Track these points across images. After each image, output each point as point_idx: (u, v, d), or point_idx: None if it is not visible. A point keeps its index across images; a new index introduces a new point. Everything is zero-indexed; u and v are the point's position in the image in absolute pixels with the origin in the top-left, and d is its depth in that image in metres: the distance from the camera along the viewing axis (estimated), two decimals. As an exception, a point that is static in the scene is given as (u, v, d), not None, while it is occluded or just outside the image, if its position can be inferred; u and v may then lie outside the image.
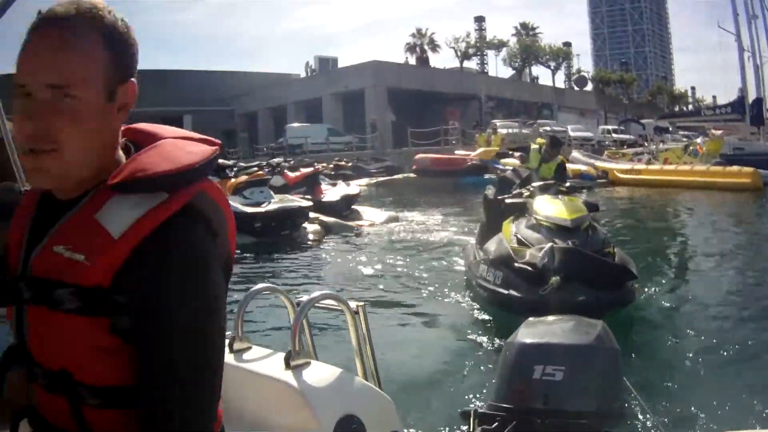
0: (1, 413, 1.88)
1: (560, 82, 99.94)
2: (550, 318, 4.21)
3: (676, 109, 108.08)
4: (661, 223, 21.69)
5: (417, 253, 15.89)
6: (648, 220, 22.67)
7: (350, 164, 43.25)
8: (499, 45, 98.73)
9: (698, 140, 39.34)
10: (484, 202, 12.93)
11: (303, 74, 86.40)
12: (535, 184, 11.16)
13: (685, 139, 44.78)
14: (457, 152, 43.78)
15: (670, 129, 53.77)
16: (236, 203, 16.58)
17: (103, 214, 1.56)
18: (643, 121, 63.36)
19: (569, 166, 14.47)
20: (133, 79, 1.67)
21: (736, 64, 46.50)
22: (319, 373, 2.59)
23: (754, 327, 9.10)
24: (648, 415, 5.46)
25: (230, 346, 2.77)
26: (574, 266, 8.56)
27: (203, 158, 1.66)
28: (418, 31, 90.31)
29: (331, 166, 36.29)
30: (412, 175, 40.95)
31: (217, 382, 1.61)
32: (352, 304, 2.86)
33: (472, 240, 13.40)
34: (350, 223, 20.98)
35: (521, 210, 10.57)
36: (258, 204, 17.95)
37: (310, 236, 18.92)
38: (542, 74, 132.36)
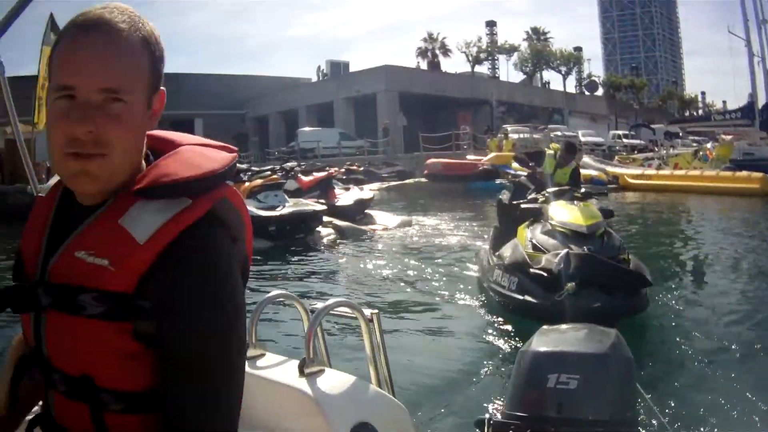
0: (14, 421, 1.89)
1: (571, 86, 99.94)
2: (564, 326, 4.18)
3: (687, 114, 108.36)
4: (672, 229, 21.63)
5: (430, 257, 15.81)
6: (658, 225, 22.62)
7: (362, 168, 43.28)
8: (510, 50, 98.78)
9: (708, 145, 39.38)
10: (498, 206, 12.96)
11: (314, 78, 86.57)
12: (550, 189, 11.07)
13: (695, 144, 44.86)
14: (468, 157, 43.74)
15: (681, 134, 53.86)
16: (251, 207, 16.41)
17: (127, 219, 1.57)
18: (653, 126, 63.34)
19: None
20: (162, 87, 1.70)
21: (747, 69, 46.41)
22: (333, 381, 2.56)
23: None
24: (662, 423, 5.38)
25: (244, 353, 2.74)
26: (589, 272, 8.54)
27: (224, 165, 1.68)
28: (430, 35, 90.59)
29: (343, 170, 36.34)
30: (423, 179, 40.98)
31: (239, 385, 1.63)
32: (367, 312, 2.84)
33: (485, 245, 13.37)
34: (364, 228, 21.03)
35: (536, 215, 10.52)
36: (272, 208, 17.98)
37: (324, 240, 18.97)
38: (553, 79, 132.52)
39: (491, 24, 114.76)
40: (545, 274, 8.85)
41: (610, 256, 9.16)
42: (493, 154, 41.25)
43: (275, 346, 3.01)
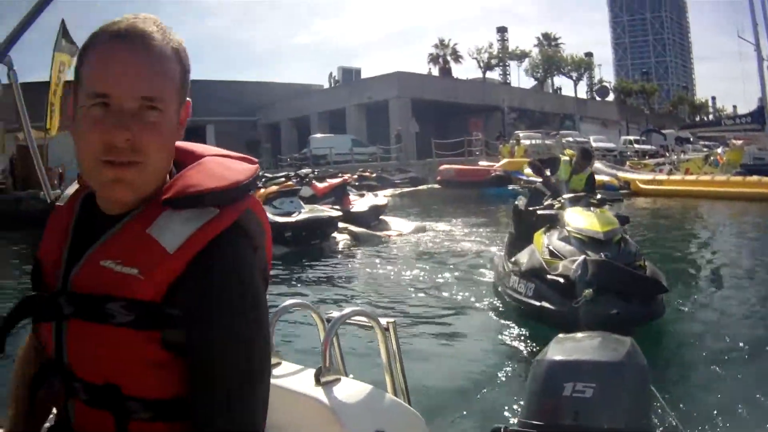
0: (32, 430, 1.89)
1: (582, 92, 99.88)
2: (579, 335, 4.19)
3: (697, 119, 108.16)
4: (684, 234, 21.60)
5: (445, 263, 15.87)
6: (671, 230, 22.56)
7: (375, 175, 43.36)
8: (521, 56, 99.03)
9: (719, 150, 39.40)
10: (513, 212, 12.91)
11: (326, 85, 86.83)
12: (566, 196, 11.10)
13: (705, 150, 44.80)
14: (480, 163, 43.85)
15: (691, 139, 53.89)
16: (267, 213, 16.43)
17: (156, 229, 1.58)
18: (664, 131, 63.34)
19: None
20: (189, 99, 1.72)
21: (756, 73, 46.40)
22: (350, 390, 2.57)
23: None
24: (679, 430, 5.36)
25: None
26: (607, 279, 8.53)
27: (248, 176, 1.70)
28: (441, 42, 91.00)
29: (356, 176, 36.42)
30: (436, 185, 41.01)
31: (266, 392, 1.63)
32: (383, 321, 2.86)
33: (499, 251, 13.54)
34: (379, 234, 21.09)
35: (552, 222, 10.53)
36: (288, 214, 18.16)
37: (340, 246, 19.12)
38: (564, 85, 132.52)
39: (502, 30, 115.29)
40: (562, 281, 8.86)
41: (627, 262, 9.13)
42: (505, 160, 41.17)
43: (290, 355, 3.00)
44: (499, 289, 11.28)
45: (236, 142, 58.02)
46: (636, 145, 59.45)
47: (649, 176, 37.45)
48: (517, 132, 55.59)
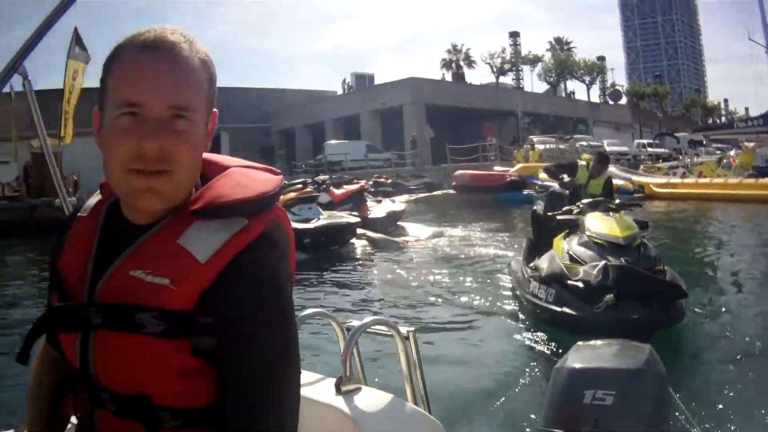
0: None
1: (595, 96, 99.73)
2: (598, 342, 4.21)
3: (710, 121, 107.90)
4: (699, 238, 21.57)
5: (462, 269, 15.87)
6: (686, 234, 22.59)
7: (390, 181, 43.19)
8: (534, 60, 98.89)
9: (731, 153, 39.21)
10: (532, 218, 12.93)
11: (339, 91, 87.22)
12: (585, 201, 11.08)
13: (718, 152, 44.73)
14: (495, 168, 43.81)
15: (704, 142, 53.72)
16: (288, 221, 16.69)
17: (186, 239, 1.59)
18: (677, 134, 63.26)
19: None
20: (215, 109, 1.74)
21: (767, 75, 46.58)
22: (370, 399, 2.61)
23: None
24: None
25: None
26: (628, 284, 8.52)
27: (274, 187, 1.71)
28: (454, 47, 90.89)
29: (371, 182, 36.36)
30: (451, 191, 41.06)
31: (297, 399, 1.66)
32: (403, 330, 2.88)
33: (516, 256, 13.46)
34: (397, 239, 21.21)
35: (572, 227, 10.52)
36: (307, 220, 18.26)
37: (359, 252, 19.27)
38: (577, 89, 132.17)
39: (515, 35, 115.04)
40: (584, 286, 8.87)
41: (647, 267, 9.11)
42: (520, 165, 41.39)
43: (309, 363, 3.08)
44: (519, 294, 11.28)
45: (250, 149, 58.10)
46: (649, 149, 59.61)
47: (663, 180, 37.55)
48: (531, 137, 55.70)
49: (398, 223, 24.07)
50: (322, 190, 24.41)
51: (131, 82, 1.55)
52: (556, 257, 10.02)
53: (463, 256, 18.26)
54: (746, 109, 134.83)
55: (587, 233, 9.94)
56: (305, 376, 2.72)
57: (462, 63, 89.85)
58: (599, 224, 10.00)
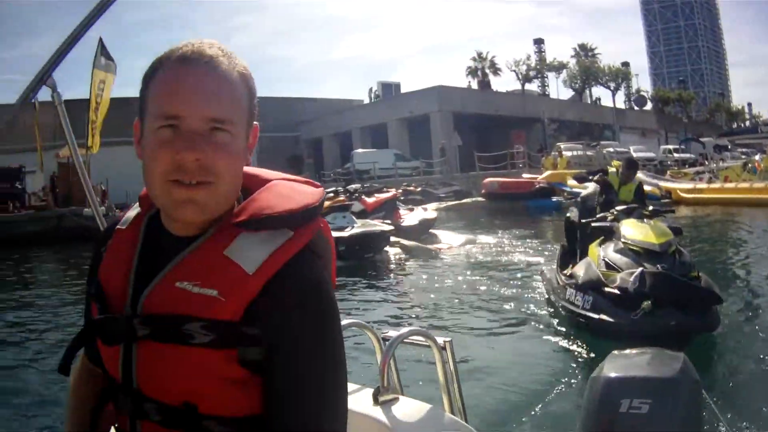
0: None
1: (620, 102, 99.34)
2: (633, 351, 4.06)
3: (734, 125, 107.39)
4: (727, 243, 21.46)
5: (495, 276, 15.89)
6: (715, 240, 22.37)
7: (419, 189, 43.26)
8: (559, 67, 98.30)
9: (756, 157, 39.07)
10: (566, 224, 13.01)
11: (365, 100, 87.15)
12: (619, 207, 11.04)
13: (744, 157, 44.61)
14: (524, 175, 43.62)
15: (729, 147, 53.59)
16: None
17: (233, 250, 1.60)
18: (702, 139, 63.08)
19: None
20: (256, 122, 1.77)
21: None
22: (408, 409, 2.64)
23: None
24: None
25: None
26: (665, 290, 8.56)
27: (317, 199, 1.72)
28: (479, 54, 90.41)
29: (400, 191, 36.41)
30: (480, 198, 40.76)
31: (345, 406, 1.67)
32: (440, 340, 2.89)
33: (549, 263, 13.66)
34: (430, 247, 21.31)
35: (607, 234, 10.49)
36: (341, 228, 18.33)
37: (392, 259, 19.41)
38: (602, 95, 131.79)
39: (539, 42, 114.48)
40: (620, 293, 8.88)
41: (683, 273, 9.10)
42: (548, 172, 41.35)
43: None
44: (553, 300, 11.33)
45: (278, 158, 58.11)
46: (675, 154, 59.13)
47: (690, 185, 37.43)
48: (558, 144, 55.37)
49: (430, 230, 24.19)
50: (355, 198, 24.54)
51: (170, 95, 1.58)
52: (592, 264, 10.00)
53: (495, 263, 18.33)
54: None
55: (623, 240, 9.94)
56: None
57: (487, 70, 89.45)
58: (635, 231, 10.01)
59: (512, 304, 12.44)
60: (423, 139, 65.44)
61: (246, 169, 1.76)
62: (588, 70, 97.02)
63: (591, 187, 13.06)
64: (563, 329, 10.21)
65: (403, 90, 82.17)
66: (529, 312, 11.76)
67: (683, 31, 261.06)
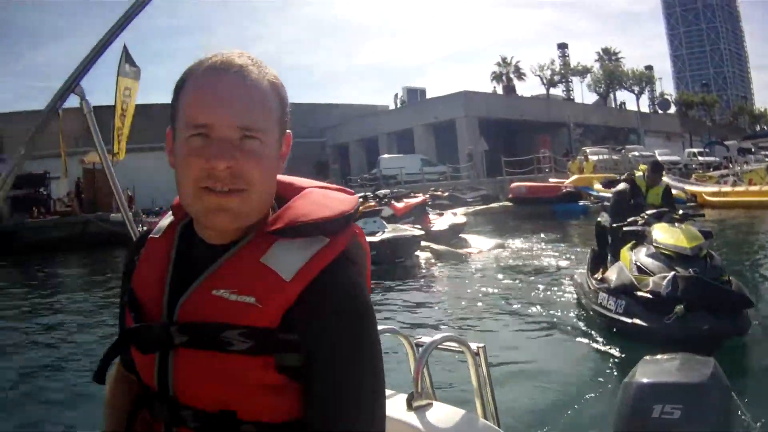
0: None
1: (644, 106, 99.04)
2: (664, 356, 4.17)
3: (757, 128, 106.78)
4: (755, 246, 21.22)
5: (525, 280, 15.97)
6: (742, 243, 22.14)
7: (446, 194, 43.22)
8: (583, 71, 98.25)
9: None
10: (596, 229, 13.01)
11: (391, 105, 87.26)
12: (649, 212, 11.02)
13: (767, 159, 44.60)
14: (550, 180, 43.65)
15: (753, 150, 53.37)
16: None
17: (270, 257, 1.61)
18: (726, 142, 62.94)
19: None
20: (289, 131, 1.77)
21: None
22: (442, 414, 2.64)
23: None
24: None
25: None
26: (697, 294, 8.56)
27: (352, 206, 1.74)
28: (503, 59, 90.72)
29: (428, 196, 36.47)
30: (507, 203, 40.45)
31: (383, 411, 1.67)
32: (473, 346, 2.88)
33: (579, 267, 13.59)
34: (460, 251, 21.39)
35: (638, 238, 10.47)
36: (373, 233, 18.27)
37: (423, 264, 19.49)
38: (626, 99, 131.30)
39: (563, 46, 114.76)
40: (653, 297, 8.93)
41: (714, 277, 9.08)
42: (575, 177, 41.31)
43: None
44: (584, 304, 11.26)
45: (305, 164, 58.43)
46: (700, 158, 59.12)
47: (714, 188, 37.37)
48: (584, 148, 55.37)
49: (460, 235, 24.33)
50: (384, 204, 24.64)
51: (200, 104, 1.59)
52: (624, 269, 10.03)
53: (524, 267, 18.37)
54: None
55: (654, 244, 9.92)
56: None
57: (512, 75, 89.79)
58: (666, 235, 9.97)
59: (543, 308, 12.44)
60: (449, 144, 65.40)
61: (280, 177, 1.79)
62: (612, 74, 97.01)
63: (621, 185, 12.97)
64: (594, 334, 10.13)
65: (429, 95, 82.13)
66: (559, 316, 11.73)
67: (705, 34, 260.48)
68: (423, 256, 20.24)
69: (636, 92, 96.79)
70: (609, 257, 11.76)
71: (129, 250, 1.95)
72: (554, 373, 8.73)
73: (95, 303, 17.35)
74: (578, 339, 10.30)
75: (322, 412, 1.57)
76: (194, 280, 1.65)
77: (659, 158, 48.02)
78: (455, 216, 26.55)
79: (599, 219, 13.18)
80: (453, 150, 63.97)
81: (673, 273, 8.96)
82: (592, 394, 7.69)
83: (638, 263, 9.84)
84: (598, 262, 12.20)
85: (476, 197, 46.85)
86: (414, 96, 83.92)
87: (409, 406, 2.65)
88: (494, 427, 2.76)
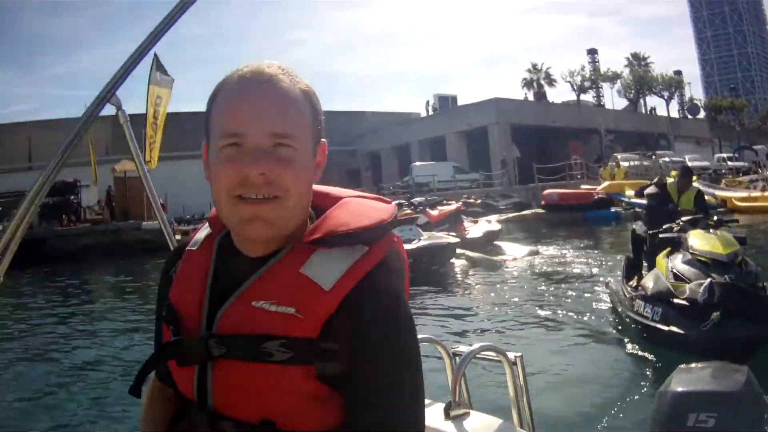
0: None
1: (674, 111, 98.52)
2: (699, 365, 4.18)
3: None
4: None
5: (560, 287, 16.02)
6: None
7: (479, 201, 42.99)
8: (613, 77, 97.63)
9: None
10: (632, 236, 12.98)
11: (423, 113, 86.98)
12: (684, 218, 10.97)
13: (796, 164, 44.44)
14: (582, 186, 43.43)
15: (781, 154, 53.26)
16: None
17: (309, 268, 1.61)
18: (755, 147, 62.68)
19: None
20: (324, 140, 1.77)
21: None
22: (479, 424, 2.67)
23: None
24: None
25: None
26: (733, 301, 8.54)
27: (390, 215, 1.74)
28: (534, 66, 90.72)
29: (461, 203, 36.56)
30: (540, 210, 40.46)
31: (423, 418, 1.67)
32: (510, 355, 2.89)
33: (613, 274, 13.68)
34: (494, 258, 21.42)
35: (673, 244, 10.40)
36: (409, 241, 18.45)
37: (458, 271, 19.61)
38: (656, 104, 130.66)
39: (593, 52, 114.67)
40: (689, 305, 8.85)
41: (749, 283, 9.04)
42: (606, 183, 41.22)
43: None
44: (620, 311, 11.27)
45: (337, 172, 58.87)
46: (729, 163, 58.99)
47: (744, 193, 37.34)
48: (616, 155, 55.12)
49: (494, 242, 24.36)
50: (419, 211, 24.85)
51: (231, 114, 1.60)
52: (660, 276, 9.96)
53: (559, 273, 18.46)
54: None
55: (690, 251, 9.87)
56: None
57: (543, 82, 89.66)
58: (702, 241, 9.94)
59: (578, 316, 12.48)
60: (481, 151, 65.31)
61: (316, 187, 1.80)
62: (642, 79, 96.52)
63: (651, 188, 13.13)
64: (630, 341, 10.15)
65: (460, 102, 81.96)
66: (594, 324, 11.78)
67: (732, 37, 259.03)
68: (458, 263, 20.33)
69: (666, 97, 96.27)
70: (645, 265, 11.85)
71: (165, 263, 1.97)
72: (590, 381, 8.78)
73: (131, 309, 17.71)
74: (614, 347, 10.38)
75: (363, 418, 1.57)
76: (233, 293, 1.66)
77: (690, 163, 48.01)
78: (490, 223, 26.43)
79: (634, 227, 13.19)
80: (485, 157, 63.87)
81: (709, 280, 8.94)
82: (628, 402, 7.69)
83: (674, 270, 9.79)
84: (632, 270, 12.23)
85: (509, 204, 46.93)
86: (445, 103, 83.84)
87: (447, 416, 2.70)
88: None
